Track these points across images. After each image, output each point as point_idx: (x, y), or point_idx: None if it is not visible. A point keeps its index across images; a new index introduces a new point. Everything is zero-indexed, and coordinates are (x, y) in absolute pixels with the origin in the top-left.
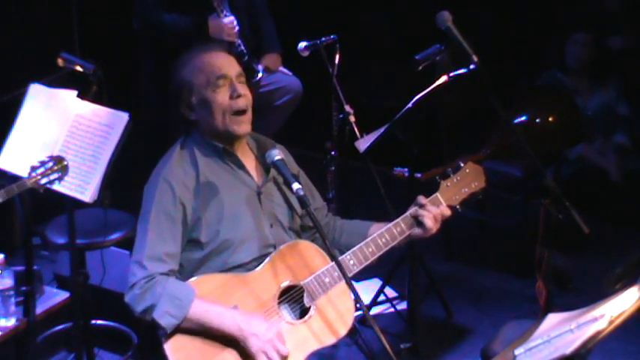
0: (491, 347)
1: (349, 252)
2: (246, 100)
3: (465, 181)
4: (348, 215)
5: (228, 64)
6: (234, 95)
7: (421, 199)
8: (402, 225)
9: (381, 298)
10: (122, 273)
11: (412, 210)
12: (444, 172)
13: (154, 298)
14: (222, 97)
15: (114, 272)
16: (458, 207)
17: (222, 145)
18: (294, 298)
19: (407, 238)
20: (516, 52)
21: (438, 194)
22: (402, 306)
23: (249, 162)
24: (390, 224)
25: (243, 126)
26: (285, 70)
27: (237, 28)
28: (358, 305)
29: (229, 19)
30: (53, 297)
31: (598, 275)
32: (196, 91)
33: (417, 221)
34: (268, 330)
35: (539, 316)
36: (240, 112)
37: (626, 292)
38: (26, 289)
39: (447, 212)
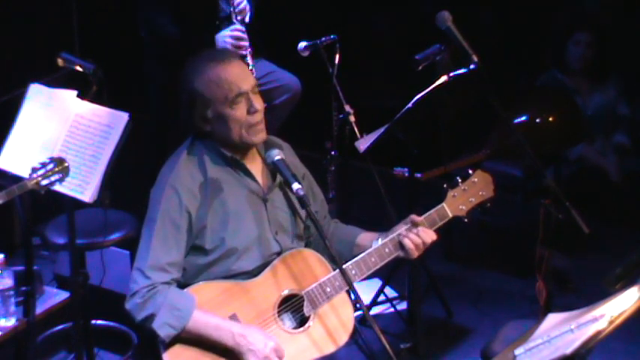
0: (491, 347)
1: (351, 261)
2: (261, 112)
3: (472, 191)
4: (348, 215)
5: (244, 78)
6: (252, 110)
7: (413, 218)
8: (390, 246)
9: (381, 298)
10: (122, 273)
11: (401, 231)
12: (453, 181)
13: (154, 307)
14: (240, 112)
15: (114, 272)
16: (465, 218)
17: (231, 154)
18: (294, 307)
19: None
20: (516, 52)
21: (444, 204)
22: (402, 306)
23: (257, 167)
24: (387, 238)
25: (260, 135)
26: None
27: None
28: (358, 305)
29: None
30: (53, 297)
31: (598, 275)
32: (212, 105)
33: (401, 245)
34: (266, 345)
35: (539, 316)
36: (257, 124)
37: (626, 292)
38: (26, 289)
39: (432, 238)
